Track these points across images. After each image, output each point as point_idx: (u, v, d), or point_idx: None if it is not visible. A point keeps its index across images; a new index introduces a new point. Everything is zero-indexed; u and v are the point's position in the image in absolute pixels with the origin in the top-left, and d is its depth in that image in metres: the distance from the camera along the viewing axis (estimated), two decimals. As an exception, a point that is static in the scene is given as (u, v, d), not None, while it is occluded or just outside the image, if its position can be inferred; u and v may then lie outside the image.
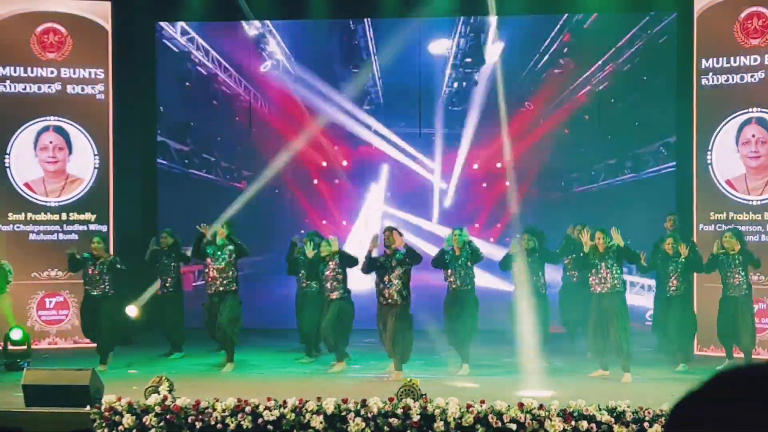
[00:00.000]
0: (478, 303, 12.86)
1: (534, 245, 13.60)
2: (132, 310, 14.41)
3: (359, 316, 13.07)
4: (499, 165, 17.38)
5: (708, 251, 13.03)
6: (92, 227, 14.95)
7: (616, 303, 12.24)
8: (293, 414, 9.83)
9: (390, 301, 12.23)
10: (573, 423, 9.56)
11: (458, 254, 12.69)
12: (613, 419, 9.55)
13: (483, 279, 14.03)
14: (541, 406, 9.70)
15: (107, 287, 13.21)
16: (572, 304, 14.11)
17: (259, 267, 16.89)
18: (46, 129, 14.90)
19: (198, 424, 9.88)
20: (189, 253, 13.96)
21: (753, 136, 13.66)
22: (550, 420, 9.58)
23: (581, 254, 12.59)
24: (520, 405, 9.72)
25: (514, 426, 9.48)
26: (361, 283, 13.43)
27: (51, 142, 14.90)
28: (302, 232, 14.99)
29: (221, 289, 12.97)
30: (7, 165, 14.76)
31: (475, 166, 17.37)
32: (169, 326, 14.21)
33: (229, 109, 17.41)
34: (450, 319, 12.72)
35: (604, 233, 12.34)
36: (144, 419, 9.93)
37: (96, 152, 14.97)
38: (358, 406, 9.85)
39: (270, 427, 9.83)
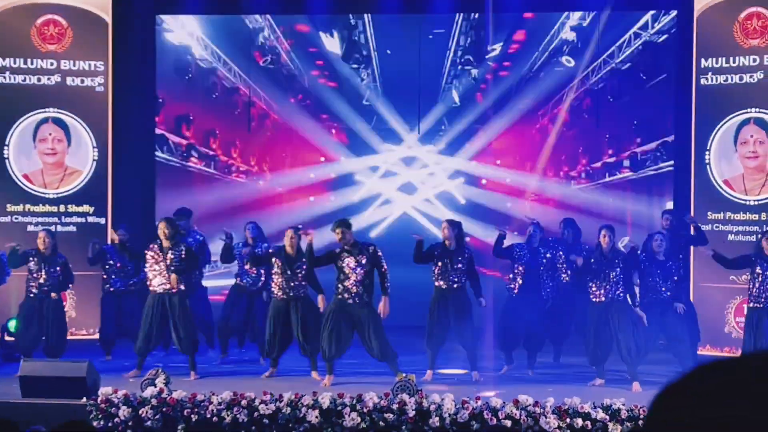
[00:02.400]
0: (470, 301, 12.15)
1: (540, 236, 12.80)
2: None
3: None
4: (498, 162, 17.40)
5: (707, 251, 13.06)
6: (90, 219, 14.95)
7: (625, 312, 11.59)
8: (289, 408, 9.87)
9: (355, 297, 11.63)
10: (568, 420, 9.60)
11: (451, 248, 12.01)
12: (608, 417, 9.59)
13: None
14: (536, 403, 9.75)
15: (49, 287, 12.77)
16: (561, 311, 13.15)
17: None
18: (45, 121, 14.91)
19: (194, 417, 9.92)
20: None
21: (751, 136, 13.68)
22: (545, 417, 9.62)
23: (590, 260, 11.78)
24: (516, 401, 9.77)
25: (509, 422, 9.52)
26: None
27: (50, 134, 14.92)
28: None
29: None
30: (6, 156, 14.77)
31: (474, 163, 17.39)
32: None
33: (228, 102, 17.42)
34: (449, 319, 11.97)
35: (610, 231, 11.77)
36: (140, 411, 9.97)
37: (95, 144, 14.98)
38: (354, 401, 9.89)
39: (266, 421, 9.87)
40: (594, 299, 11.73)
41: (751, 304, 11.84)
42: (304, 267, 11.92)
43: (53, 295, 12.78)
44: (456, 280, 11.98)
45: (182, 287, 12.01)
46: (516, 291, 12.49)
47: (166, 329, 12.09)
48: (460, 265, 11.97)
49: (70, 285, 13.29)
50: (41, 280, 12.72)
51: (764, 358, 1.01)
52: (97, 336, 14.15)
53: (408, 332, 12.96)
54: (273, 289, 12.09)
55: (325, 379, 11.51)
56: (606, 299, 11.61)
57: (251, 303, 13.25)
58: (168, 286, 11.92)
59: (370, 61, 17.18)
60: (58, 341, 12.76)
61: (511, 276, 12.58)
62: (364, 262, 11.57)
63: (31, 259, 12.79)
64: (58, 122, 14.94)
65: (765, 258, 11.76)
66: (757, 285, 11.76)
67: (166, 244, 12.01)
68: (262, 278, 13.17)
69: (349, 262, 11.57)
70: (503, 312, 12.63)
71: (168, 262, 11.92)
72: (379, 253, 11.66)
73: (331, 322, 11.49)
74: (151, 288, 12.09)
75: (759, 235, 12.28)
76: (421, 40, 16.80)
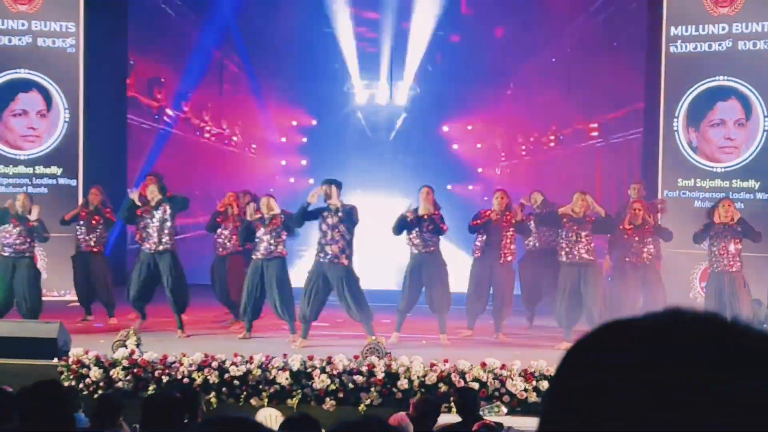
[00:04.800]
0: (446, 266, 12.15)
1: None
2: None
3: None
4: (470, 128, 17.48)
5: (673, 217, 13.18)
6: (61, 181, 14.91)
7: (591, 273, 11.83)
8: (259, 370, 9.96)
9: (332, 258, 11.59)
10: (534, 383, 9.74)
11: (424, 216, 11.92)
12: (573, 380, 9.71)
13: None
14: (503, 366, 9.88)
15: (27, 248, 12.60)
16: (533, 273, 13.32)
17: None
18: (16, 81, 14.82)
19: (165, 378, 9.99)
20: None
21: (719, 104, 13.81)
22: (512, 380, 9.76)
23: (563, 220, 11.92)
24: (483, 365, 9.90)
25: (476, 385, 9.64)
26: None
27: (21, 95, 14.83)
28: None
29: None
30: (-25, 117, 14.70)
31: (445, 128, 17.46)
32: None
33: (200, 65, 17.37)
34: (420, 285, 12.04)
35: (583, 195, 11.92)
36: (111, 372, 10.02)
37: (66, 106, 14.92)
38: (324, 363, 9.99)
39: (236, 382, 9.96)
40: (566, 261, 11.92)
41: (716, 269, 11.95)
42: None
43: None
44: (429, 244, 11.98)
45: (170, 247, 12.13)
46: (479, 254, 12.47)
47: (156, 287, 12.29)
48: (431, 227, 11.95)
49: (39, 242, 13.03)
50: (15, 241, 12.64)
51: (694, 317, 1.01)
52: (68, 297, 14.19)
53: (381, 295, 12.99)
54: (258, 250, 12.00)
55: (298, 342, 11.58)
56: (578, 261, 11.81)
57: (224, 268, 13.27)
58: (157, 247, 12.04)
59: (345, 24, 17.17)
60: (35, 302, 12.66)
61: (477, 243, 12.53)
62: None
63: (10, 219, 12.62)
64: (29, 82, 14.86)
65: (721, 226, 11.87)
66: (716, 251, 11.89)
67: (153, 204, 12.11)
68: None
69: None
70: (469, 277, 12.66)
71: (157, 222, 12.05)
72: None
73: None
74: (143, 246, 12.23)
75: (713, 204, 12.32)
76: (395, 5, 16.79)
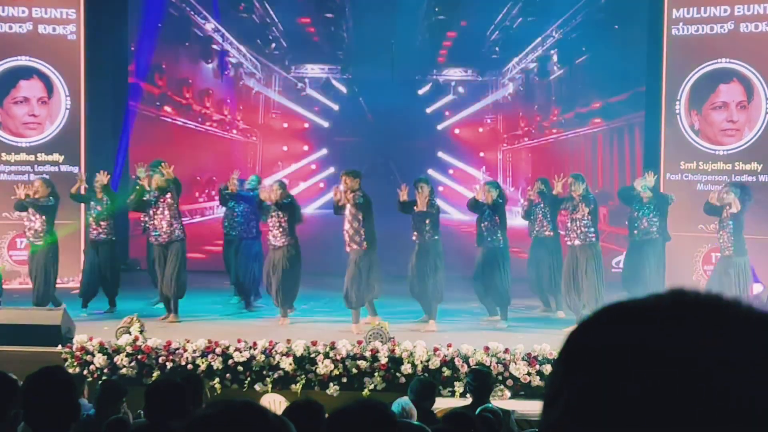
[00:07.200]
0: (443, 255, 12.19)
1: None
2: None
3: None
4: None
5: (676, 200, 13.16)
6: (63, 168, 14.91)
7: (592, 255, 11.84)
8: (263, 356, 9.98)
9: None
10: (537, 367, 9.76)
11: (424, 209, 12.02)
12: (576, 363, 9.72)
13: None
14: (506, 350, 9.90)
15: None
16: (541, 258, 13.16)
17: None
18: (17, 68, 14.81)
19: (169, 365, 10.01)
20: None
21: (721, 86, 13.79)
22: (515, 364, 9.77)
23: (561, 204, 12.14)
24: (486, 349, 9.91)
25: (479, 369, 9.66)
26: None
27: (23, 82, 14.82)
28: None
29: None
30: (-23, 105, 14.69)
31: (447, 113, 17.43)
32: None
33: (201, 51, 17.34)
34: (420, 272, 12.07)
35: (577, 179, 11.92)
36: (115, 359, 10.05)
37: (67, 93, 14.91)
38: (327, 349, 10.01)
39: (240, 368, 9.98)
40: (568, 242, 12.03)
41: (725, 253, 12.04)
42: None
43: None
44: (430, 234, 11.97)
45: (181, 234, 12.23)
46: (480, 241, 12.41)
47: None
48: (429, 220, 11.99)
49: None
50: (36, 227, 12.59)
51: (699, 298, 1.01)
52: (72, 285, 14.19)
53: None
54: (275, 238, 12.10)
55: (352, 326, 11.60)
56: (578, 243, 11.81)
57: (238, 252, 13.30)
58: (168, 237, 12.08)
59: (344, 12, 17.12)
60: (49, 289, 12.70)
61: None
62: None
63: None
64: (30, 70, 14.85)
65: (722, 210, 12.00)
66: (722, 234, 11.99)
67: (158, 194, 12.13)
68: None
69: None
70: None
71: (166, 211, 12.11)
72: None
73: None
74: (152, 239, 12.36)
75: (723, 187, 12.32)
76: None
